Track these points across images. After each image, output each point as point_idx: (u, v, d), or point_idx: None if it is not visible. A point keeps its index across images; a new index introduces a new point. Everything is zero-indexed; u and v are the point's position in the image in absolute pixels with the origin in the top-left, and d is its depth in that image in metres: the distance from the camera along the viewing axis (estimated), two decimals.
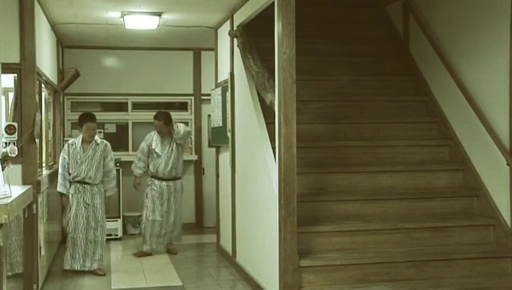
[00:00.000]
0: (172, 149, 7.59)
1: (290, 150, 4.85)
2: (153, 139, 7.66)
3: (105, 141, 6.88)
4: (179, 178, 7.76)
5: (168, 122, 7.58)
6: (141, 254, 7.61)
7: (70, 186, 6.65)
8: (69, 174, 6.65)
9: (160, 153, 7.56)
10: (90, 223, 6.68)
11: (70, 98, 9.33)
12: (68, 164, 6.63)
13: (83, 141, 6.66)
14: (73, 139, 6.85)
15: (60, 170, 6.65)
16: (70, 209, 6.67)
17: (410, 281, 5.03)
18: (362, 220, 5.48)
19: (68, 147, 6.67)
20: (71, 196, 6.62)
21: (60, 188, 6.69)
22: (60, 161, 6.67)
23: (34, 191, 5.30)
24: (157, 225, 7.58)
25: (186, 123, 9.78)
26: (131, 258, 7.63)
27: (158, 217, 7.57)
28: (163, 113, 7.71)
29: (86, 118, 6.73)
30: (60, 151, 8.51)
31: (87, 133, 6.65)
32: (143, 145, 7.71)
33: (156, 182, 7.60)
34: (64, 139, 8.98)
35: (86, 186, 6.66)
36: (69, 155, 6.63)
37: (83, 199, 6.64)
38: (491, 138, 5.42)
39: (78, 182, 6.62)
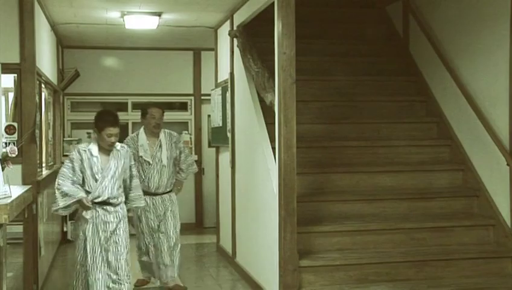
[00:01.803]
0: (164, 153, 5.90)
1: (290, 150, 4.85)
2: (137, 143, 5.90)
3: (123, 145, 5.13)
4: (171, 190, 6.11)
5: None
6: (143, 283, 6.41)
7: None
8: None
9: (151, 161, 5.87)
10: (111, 263, 4.83)
11: (70, 98, 9.33)
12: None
13: (99, 149, 4.84)
14: (85, 144, 4.98)
15: (61, 187, 4.72)
16: (82, 242, 4.82)
17: (410, 281, 5.02)
18: (362, 220, 5.48)
19: (80, 154, 4.81)
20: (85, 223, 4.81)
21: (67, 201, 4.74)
22: (65, 171, 4.77)
23: (34, 191, 5.30)
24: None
25: (186, 123, 9.83)
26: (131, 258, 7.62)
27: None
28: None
29: (108, 121, 4.80)
30: (60, 151, 8.57)
31: (109, 140, 4.78)
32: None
33: (147, 199, 5.77)
34: (64, 139, 8.99)
35: (109, 208, 4.84)
36: (82, 166, 4.79)
37: (105, 227, 4.82)
38: (491, 138, 5.42)
39: (98, 204, 4.80)
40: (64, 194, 4.67)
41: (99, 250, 4.77)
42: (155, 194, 5.94)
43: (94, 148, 4.84)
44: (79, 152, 4.81)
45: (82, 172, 4.77)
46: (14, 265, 5.63)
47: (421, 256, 5.16)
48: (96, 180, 4.77)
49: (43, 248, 5.99)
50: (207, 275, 6.73)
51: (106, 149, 4.82)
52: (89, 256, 4.74)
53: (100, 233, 4.78)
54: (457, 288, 4.93)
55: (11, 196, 3.95)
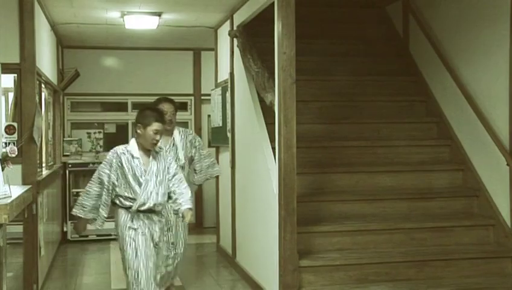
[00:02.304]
0: (180, 151, 5.45)
1: (290, 150, 4.84)
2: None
3: (160, 146, 4.69)
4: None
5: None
6: None
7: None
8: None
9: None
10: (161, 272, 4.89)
11: (70, 98, 9.34)
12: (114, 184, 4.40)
13: (139, 149, 4.47)
14: (122, 146, 4.53)
15: (83, 197, 4.48)
16: (131, 256, 4.34)
17: (410, 281, 5.02)
18: (362, 220, 5.48)
19: (119, 157, 4.38)
20: (132, 233, 4.36)
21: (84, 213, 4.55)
22: (99, 176, 4.43)
23: (34, 191, 5.30)
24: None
25: (185, 123, 9.82)
26: None
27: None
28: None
29: (154, 116, 4.43)
30: (60, 151, 8.57)
31: (154, 137, 4.38)
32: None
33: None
34: (64, 139, 8.99)
35: (154, 218, 4.44)
36: (122, 170, 4.35)
37: (151, 238, 4.41)
38: (491, 138, 5.42)
39: (143, 212, 4.39)
40: (81, 205, 4.46)
41: (149, 263, 4.32)
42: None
43: (134, 149, 4.43)
44: (117, 154, 4.38)
45: (121, 177, 4.33)
46: (14, 265, 5.62)
47: (421, 256, 5.16)
48: (140, 185, 4.31)
49: (43, 248, 5.99)
50: (207, 275, 6.73)
51: (147, 150, 4.42)
52: (141, 269, 4.27)
53: (148, 243, 4.34)
54: (457, 288, 4.93)
55: (11, 196, 3.95)
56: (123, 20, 7.12)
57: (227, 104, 7.00)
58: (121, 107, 9.60)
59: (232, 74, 6.88)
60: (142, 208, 4.34)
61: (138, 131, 4.44)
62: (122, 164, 4.35)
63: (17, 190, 4.34)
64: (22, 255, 5.46)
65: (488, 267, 5.21)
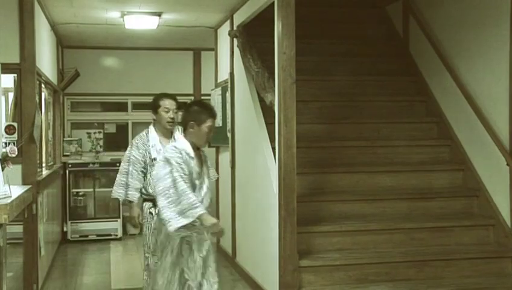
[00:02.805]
0: None
1: (290, 150, 4.84)
2: (148, 143, 4.91)
3: None
4: None
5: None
6: None
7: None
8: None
9: None
10: None
11: (70, 98, 9.34)
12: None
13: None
14: (174, 143, 4.08)
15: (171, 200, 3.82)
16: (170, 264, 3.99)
17: (410, 281, 5.02)
18: (362, 220, 5.48)
19: (182, 156, 3.89)
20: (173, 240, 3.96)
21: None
22: (174, 181, 3.80)
23: (34, 191, 5.30)
24: None
25: None
26: (131, 258, 7.63)
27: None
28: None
29: (208, 112, 4.11)
30: (60, 151, 8.57)
31: (209, 135, 4.09)
32: (133, 153, 4.90)
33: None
34: (64, 139, 8.99)
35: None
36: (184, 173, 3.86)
37: (200, 247, 4.04)
38: (491, 138, 5.42)
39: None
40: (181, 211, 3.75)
41: (197, 275, 3.95)
42: None
43: (189, 148, 3.93)
44: (180, 153, 3.87)
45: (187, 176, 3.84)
46: (14, 265, 5.62)
47: (421, 256, 5.16)
48: (194, 188, 3.90)
49: (43, 248, 5.99)
50: None
51: (197, 149, 4.00)
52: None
53: (195, 254, 3.96)
54: (457, 288, 4.93)
55: (11, 196, 3.95)
56: (123, 20, 7.12)
57: (227, 104, 6.99)
58: (121, 107, 9.60)
59: (232, 74, 6.88)
60: None
61: (191, 129, 4.00)
62: (184, 164, 3.88)
63: (17, 190, 4.34)
64: (22, 255, 5.46)
65: (488, 267, 5.21)
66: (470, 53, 5.83)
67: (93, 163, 8.80)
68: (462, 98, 5.85)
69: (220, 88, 7.51)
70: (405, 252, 5.22)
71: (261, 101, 5.82)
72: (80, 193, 8.85)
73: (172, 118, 4.91)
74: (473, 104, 5.70)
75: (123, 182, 4.87)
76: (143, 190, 4.88)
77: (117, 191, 4.88)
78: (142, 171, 4.86)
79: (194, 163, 3.92)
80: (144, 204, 4.90)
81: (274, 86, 5.14)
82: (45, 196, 6.25)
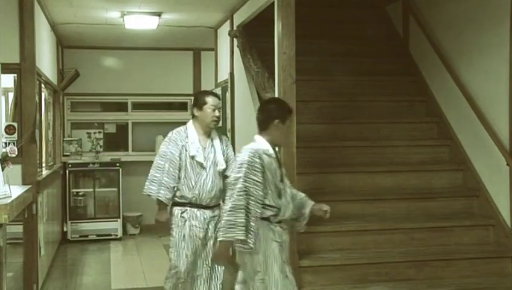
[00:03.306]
0: (220, 155, 4.69)
1: (290, 150, 4.84)
2: (187, 139, 4.60)
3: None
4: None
5: None
6: None
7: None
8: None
9: (205, 164, 4.59)
10: None
11: (70, 98, 9.34)
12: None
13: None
14: (251, 144, 3.83)
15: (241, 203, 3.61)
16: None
17: (410, 281, 5.02)
18: (362, 220, 5.47)
19: (262, 158, 3.71)
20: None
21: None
22: (245, 183, 3.60)
23: (34, 191, 5.30)
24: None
25: (185, 123, 9.80)
26: (131, 258, 7.63)
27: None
28: None
29: (289, 109, 3.95)
30: (60, 151, 8.57)
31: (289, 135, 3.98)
32: (170, 148, 4.55)
33: (197, 212, 4.58)
34: (64, 139, 8.99)
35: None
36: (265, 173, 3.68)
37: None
38: (491, 138, 5.42)
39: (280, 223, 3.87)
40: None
41: None
42: (206, 207, 4.59)
43: (268, 147, 3.77)
44: (259, 155, 3.65)
45: (262, 183, 3.61)
46: (14, 265, 5.63)
47: (421, 256, 5.16)
48: (280, 195, 3.76)
49: (43, 248, 5.99)
50: None
51: (273, 149, 3.82)
52: None
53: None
54: (457, 288, 4.93)
55: (11, 196, 3.95)
56: (123, 20, 7.12)
57: (227, 104, 6.99)
58: (121, 107, 9.60)
59: (232, 74, 6.88)
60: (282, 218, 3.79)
61: (275, 128, 3.78)
62: (264, 167, 3.66)
63: (17, 190, 4.34)
64: (22, 255, 5.46)
65: (488, 267, 5.20)
66: (470, 53, 5.83)
67: (93, 163, 8.80)
68: (462, 98, 5.85)
69: (220, 88, 7.51)
70: (405, 252, 5.21)
71: (261, 101, 5.81)
72: (80, 193, 8.85)
73: (218, 117, 4.66)
74: (473, 104, 5.70)
75: (156, 179, 4.47)
76: (176, 192, 4.51)
77: (150, 188, 4.48)
78: (178, 170, 4.50)
79: (275, 164, 3.74)
80: (174, 209, 4.56)
81: (274, 86, 5.14)
82: (45, 196, 6.25)
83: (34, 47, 5.53)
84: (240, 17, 6.54)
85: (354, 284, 4.96)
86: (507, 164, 5.21)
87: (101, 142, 9.34)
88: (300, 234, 4.94)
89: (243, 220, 3.53)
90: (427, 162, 6.12)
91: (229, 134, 6.91)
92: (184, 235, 4.50)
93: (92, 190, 8.89)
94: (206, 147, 4.59)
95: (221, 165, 4.61)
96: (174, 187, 4.50)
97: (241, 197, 3.53)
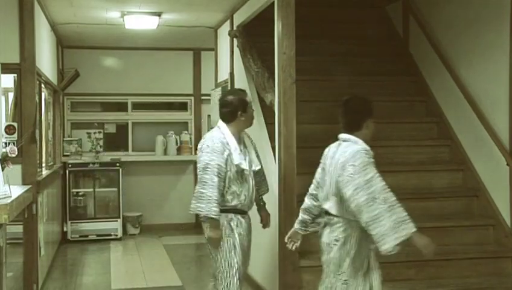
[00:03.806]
0: (254, 156, 4.47)
1: (290, 150, 4.85)
2: (227, 146, 4.19)
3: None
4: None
5: None
6: None
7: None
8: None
9: (248, 169, 4.29)
10: None
11: (70, 98, 9.34)
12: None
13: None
14: (360, 144, 3.93)
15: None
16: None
17: (410, 281, 5.02)
18: None
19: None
20: None
21: None
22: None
23: (34, 191, 5.30)
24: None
25: (185, 123, 9.84)
26: (131, 258, 7.63)
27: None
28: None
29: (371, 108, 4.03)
30: (60, 151, 8.57)
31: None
32: (216, 160, 4.11)
33: (241, 219, 4.32)
34: (64, 139, 8.99)
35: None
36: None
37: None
38: (490, 138, 5.42)
39: None
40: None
41: None
42: (246, 213, 4.36)
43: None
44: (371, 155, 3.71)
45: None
46: (14, 265, 5.63)
47: (421, 256, 5.11)
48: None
49: (43, 248, 5.99)
50: (207, 275, 6.72)
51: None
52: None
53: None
54: (457, 288, 4.93)
55: (11, 196, 3.95)
56: (123, 20, 7.12)
57: None
58: (121, 107, 9.60)
59: (232, 74, 6.88)
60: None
61: (367, 126, 3.91)
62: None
63: (17, 190, 4.34)
64: (22, 255, 5.46)
65: (488, 267, 5.20)
66: (470, 53, 5.83)
67: (93, 163, 8.80)
68: (462, 98, 5.85)
69: (220, 88, 7.51)
70: (405, 252, 5.20)
71: (261, 101, 5.81)
72: (80, 193, 8.85)
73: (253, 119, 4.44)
74: (473, 104, 5.70)
75: (204, 195, 4.04)
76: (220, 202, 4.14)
77: (198, 206, 4.05)
78: (224, 180, 4.14)
79: None
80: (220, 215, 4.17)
81: (274, 86, 5.14)
82: (45, 196, 6.25)
83: (34, 47, 5.53)
84: (240, 17, 6.54)
85: None
86: (507, 164, 5.21)
87: (101, 142, 9.34)
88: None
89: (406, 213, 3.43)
90: (427, 162, 6.12)
91: None
92: (234, 245, 4.23)
93: (92, 190, 8.89)
94: (241, 149, 4.28)
95: (257, 166, 4.38)
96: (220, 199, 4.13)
97: (390, 193, 3.47)
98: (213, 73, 8.11)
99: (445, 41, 6.28)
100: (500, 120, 5.37)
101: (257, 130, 5.79)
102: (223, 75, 7.39)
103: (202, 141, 4.22)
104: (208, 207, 4.02)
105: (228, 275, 4.28)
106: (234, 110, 4.21)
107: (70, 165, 8.66)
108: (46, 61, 6.74)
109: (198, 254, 7.98)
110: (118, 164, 8.87)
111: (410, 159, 6.10)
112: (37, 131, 5.76)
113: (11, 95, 5.89)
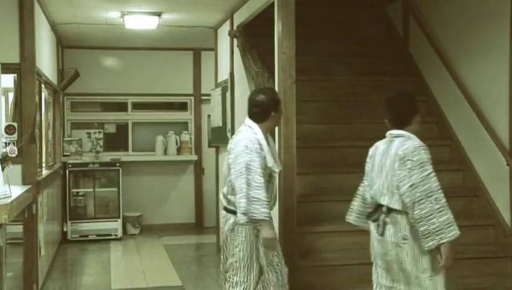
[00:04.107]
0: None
1: (290, 150, 4.85)
2: (263, 147, 4.05)
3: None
4: None
5: None
6: None
7: None
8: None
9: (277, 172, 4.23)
10: None
11: (70, 98, 9.34)
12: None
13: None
14: (415, 140, 3.74)
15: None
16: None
17: None
18: None
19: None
20: None
21: None
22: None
23: (34, 191, 5.30)
24: None
25: (185, 123, 9.84)
26: (131, 258, 7.63)
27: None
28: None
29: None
30: (60, 151, 8.57)
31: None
32: (257, 161, 3.96)
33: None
34: (64, 139, 8.99)
35: None
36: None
37: None
38: (491, 138, 5.42)
39: None
40: None
41: None
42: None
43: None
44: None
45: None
46: (14, 265, 5.63)
47: None
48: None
49: (43, 248, 5.99)
50: (207, 275, 6.73)
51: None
52: None
53: None
54: (457, 288, 4.92)
55: (11, 196, 3.95)
56: (123, 20, 7.12)
57: (227, 104, 6.99)
58: (121, 107, 9.60)
59: (232, 74, 6.88)
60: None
61: (414, 122, 3.85)
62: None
63: (17, 190, 4.34)
64: (22, 255, 5.46)
65: (488, 267, 5.20)
66: (470, 53, 5.83)
67: (93, 163, 8.80)
68: (462, 98, 5.85)
69: (220, 88, 7.51)
70: None
71: None
72: (80, 193, 8.85)
73: None
74: (473, 104, 5.70)
75: (256, 198, 3.87)
76: None
77: (261, 211, 3.86)
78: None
79: None
80: None
81: (274, 86, 5.14)
82: (45, 196, 6.25)
83: (34, 47, 5.53)
84: (240, 17, 6.54)
85: (354, 284, 4.96)
86: (507, 164, 5.21)
87: (101, 142, 9.34)
88: (300, 234, 4.95)
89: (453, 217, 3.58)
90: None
91: (229, 134, 6.91)
92: (259, 249, 4.05)
93: (92, 190, 8.89)
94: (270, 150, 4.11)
95: (279, 167, 4.20)
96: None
97: (442, 194, 3.58)
98: (213, 73, 8.11)
99: (445, 41, 6.29)
100: (500, 120, 5.37)
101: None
102: (223, 75, 7.39)
103: (236, 142, 4.02)
104: (259, 210, 3.85)
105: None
106: (266, 109, 4.07)
107: (70, 165, 8.66)
108: (46, 61, 6.74)
109: (198, 254, 7.98)
110: (118, 164, 8.86)
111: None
112: (37, 131, 5.75)
113: (11, 95, 5.89)
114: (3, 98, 5.88)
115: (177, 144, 9.49)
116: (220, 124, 7.41)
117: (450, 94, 6.16)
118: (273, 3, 5.07)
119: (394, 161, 3.58)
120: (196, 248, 8.38)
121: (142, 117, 9.63)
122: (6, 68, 5.37)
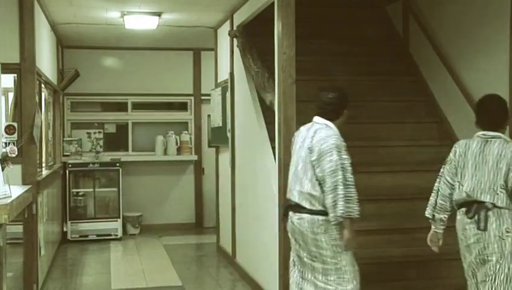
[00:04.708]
0: None
1: (290, 150, 4.84)
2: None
3: None
4: None
5: None
6: None
7: None
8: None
9: None
10: None
11: (70, 98, 9.34)
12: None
13: None
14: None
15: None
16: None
17: (410, 281, 5.02)
18: (362, 220, 5.44)
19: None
20: None
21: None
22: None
23: (34, 191, 5.30)
24: None
25: (185, 123, 9.84)
26: (131, 258, 7.63)
27: None
28: None
29: None
30: (60, 151, 8.57)
31: None
32: (347, 158, 4.19)
33: None
34: (64, 139, 9.00)
35: None
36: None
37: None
38: None
39: None
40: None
41: None
42: None
43: None
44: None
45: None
46: (14, 265, 5.63)
47: (421, 256, 5.15)
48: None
49: (43, 247, 5.99)
50: (207, 275, 6.73)
51: None
52: None
53: None
54: (457, 288, 4.92)
55: (11, 196, 3.95)
56: (123, 20, 7.12)
57: (227, 104, 7.00)
58: (121, 107, 9.60)
59: (232, 74, 6.88)
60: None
61: (507, 124, 4.21)
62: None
63: (17, 190, 4.34)
64: (22, 255, 5.46)
65: None
66: (470, 53, 5.83)
67: (93, 163, 8.80)
68: (462, 98, 5.85)
69: (220, 88, 7.51)
70: (405, 252, 5.21)
71: (261, 101, 5.82)
72: (80, 193, 8.85)
73: None
74: (473, 104, 5.69)
75: (352, 196, 3.97)
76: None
77: (356, 209, 3.97)
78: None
79: None
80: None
81: (274, 86, 5.14)
82: (45, 196, 6.25)
83: (34, 47, 5.53)
84: (240, 17, 6.54)
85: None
86: None
87: (101, 142, 9.34)
88: None
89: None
90: (427, 162, 6.11)
91: (229, 134, 6.91)
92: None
93: (92, 190, 8.89)
94: None
95: None
96: None
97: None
98: (213, 73, 8.11)
99: (445, 41, 6.28)
100: None
101: (257, 130, 5.79)
102: (223, 75, 7.39)
103: (320, 139, 4.02)
104: (355, 208, 3.94)
105: (356, 274, 4.17)
106: (340, 107, 4.17)
107: (70, 165, 8.66)
108: (46, 61, 6.74)
109: (198, 254, 7.98)
110: (118, 164, 8.87)
111: (410, 159, 6.10)
112: (37, 131, 5.75)
113: (11, 95, 5.89)
114: (3, 98, 5.88)
115: (177, 144, 9.49)
116: (220, 124, 7.41)
117: (450, 94, 6.15)
118: (273, 3, 5.07)
119: (499, 160, 3.92)
120: (196, 248, 8.39)
121: (142, 117, 9.64)
122: (6, 68, 5.37)
